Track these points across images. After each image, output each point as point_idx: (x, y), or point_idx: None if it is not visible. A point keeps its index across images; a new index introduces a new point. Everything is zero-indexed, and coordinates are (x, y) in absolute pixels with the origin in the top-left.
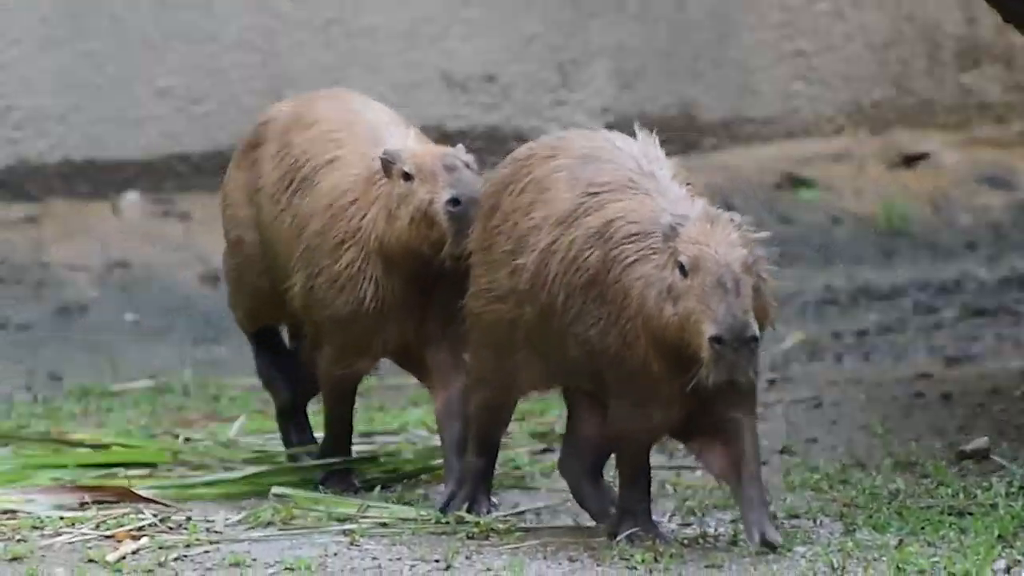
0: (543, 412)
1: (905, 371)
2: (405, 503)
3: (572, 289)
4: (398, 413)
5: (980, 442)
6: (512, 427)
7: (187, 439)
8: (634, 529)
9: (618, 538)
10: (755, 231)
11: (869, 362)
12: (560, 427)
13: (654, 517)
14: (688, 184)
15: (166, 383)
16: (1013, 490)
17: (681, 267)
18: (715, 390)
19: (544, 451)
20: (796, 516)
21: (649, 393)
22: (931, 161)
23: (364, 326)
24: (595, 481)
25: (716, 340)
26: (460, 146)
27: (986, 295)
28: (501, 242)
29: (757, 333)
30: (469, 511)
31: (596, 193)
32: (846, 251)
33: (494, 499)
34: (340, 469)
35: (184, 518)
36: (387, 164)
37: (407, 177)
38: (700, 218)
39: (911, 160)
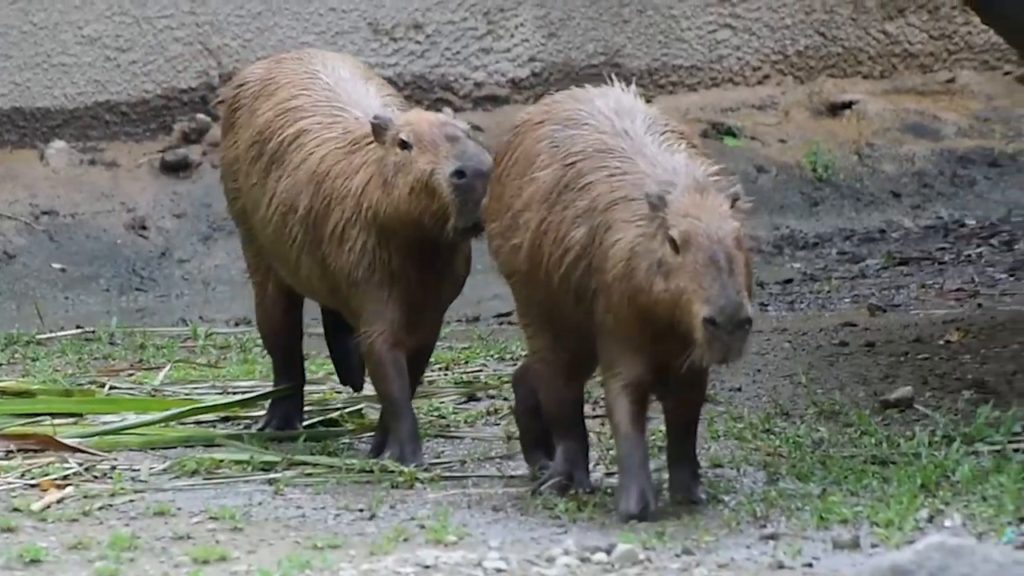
0: (467, 361)
1: (830, 320)
2: (330, 452)
3: (565, 269)
4: (323, 362)
5: (904, 391)
6: (436, 376)
7: (113, 387)
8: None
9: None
10: (738, 191)
11: (794, 311)
12: (485, 376)
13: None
14: (667, 132)
15: (92, 332)
16: (936, 439)
17: (672, 242)
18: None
19: (468, 400)
20: (720, 465)
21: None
22: (856, 110)
23: (369, 284)
24: (538, 418)
25: (710, 322)
26: (447, 110)
27: (910, 244)
28: (505, 217)
29: (751, 315)
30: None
31: (573, 163)
32: (771, 200)
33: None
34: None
35: (109, 467)
36: (379, 129)
37: (404, 145)
38: (689, 187)
39: (836, 109)
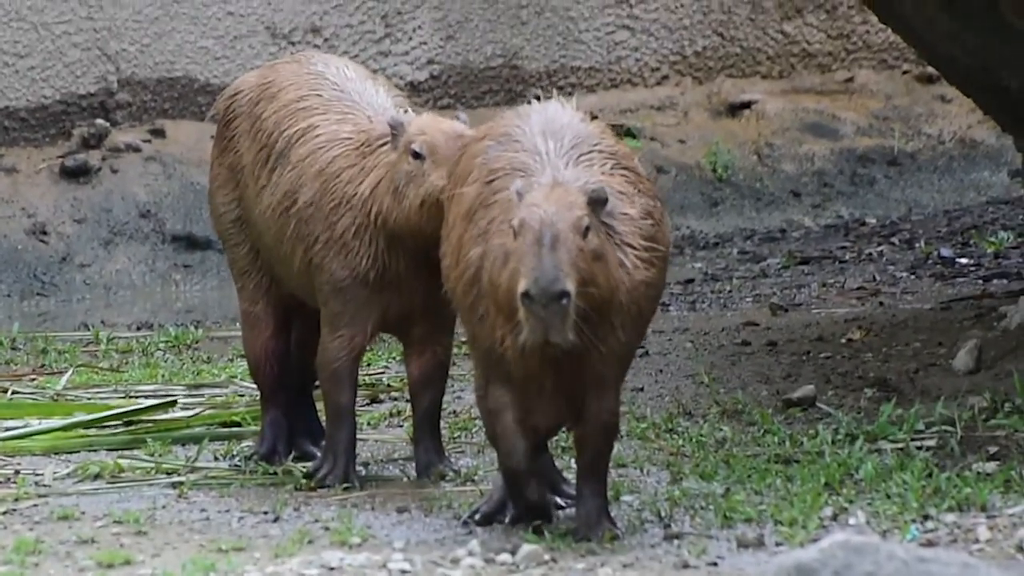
0: (370, 364)
1: (731, 320)
2: (232, 456)
3: (465, 286)
4: (225, 365)
5: (806, 390)
6: None
7: (15, 392)
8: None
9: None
10: (598, 189)
11: (695, 311)
12: (388, 378)
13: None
14: (592, 152)
15: None
16: (839, 437)
17: (513, 230)
18: (570, 363)
19: (372, 402)
20: (623, 465)
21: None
22: (755, 110)
23: (361, 293)
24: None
25: (525, 295)
26: (462, 115)
27: (811, 243)
28: (444, 235)
29: (567, 288)
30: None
31: (492, 181)
32: (671, 200)
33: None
34: (337, 466)
35: (12, 472)
36: (393, 134)
37: (416, 156)
38: (546, 183)
39: (735, 109)
